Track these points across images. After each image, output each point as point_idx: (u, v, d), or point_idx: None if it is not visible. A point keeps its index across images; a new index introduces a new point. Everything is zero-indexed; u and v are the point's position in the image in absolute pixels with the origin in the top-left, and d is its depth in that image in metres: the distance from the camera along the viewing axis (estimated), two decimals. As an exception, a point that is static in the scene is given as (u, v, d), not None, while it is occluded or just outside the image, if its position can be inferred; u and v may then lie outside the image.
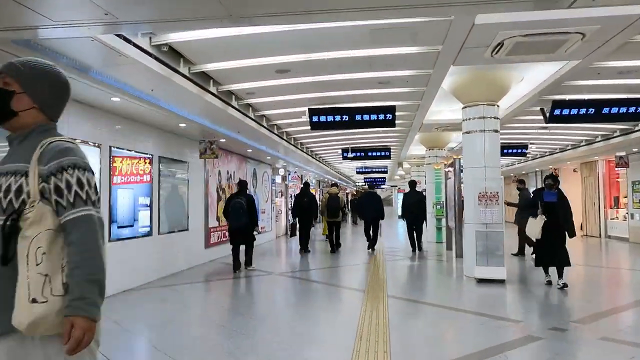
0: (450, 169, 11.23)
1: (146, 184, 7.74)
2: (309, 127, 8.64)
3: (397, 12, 3.69)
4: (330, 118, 8.00)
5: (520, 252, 10.49)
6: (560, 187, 7.27)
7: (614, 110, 7.78)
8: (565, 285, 6.76)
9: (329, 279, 8.66)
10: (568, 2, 3.29)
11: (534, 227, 7.06)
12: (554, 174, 7.23)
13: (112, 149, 6.77)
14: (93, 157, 6.27)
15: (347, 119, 8.04)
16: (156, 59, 4.95)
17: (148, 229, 7.76)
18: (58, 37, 3.81)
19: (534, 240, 7.44)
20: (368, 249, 12.02)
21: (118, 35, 4.20)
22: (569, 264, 6.92)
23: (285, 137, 11.34)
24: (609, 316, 5.47)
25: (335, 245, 12.27)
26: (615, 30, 4.73)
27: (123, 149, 7.07)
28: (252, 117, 8.54)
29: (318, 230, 17.05)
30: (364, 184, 34.12)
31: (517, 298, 6.63)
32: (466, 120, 7.96)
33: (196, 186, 9.93)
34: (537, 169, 21.52)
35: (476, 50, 5.48)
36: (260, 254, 9.66)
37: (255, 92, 7.20)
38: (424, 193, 13.68)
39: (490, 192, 7.51)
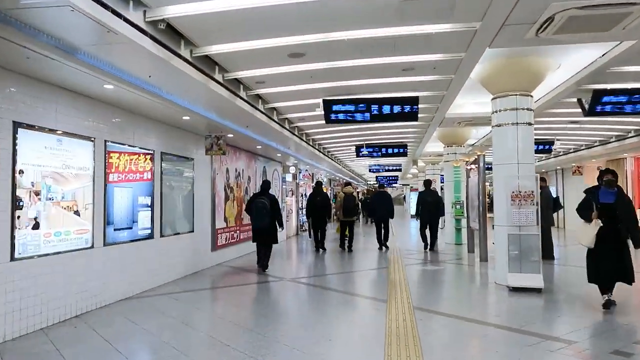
0: (473, 166, 10.46)
1: (147, 182, 7.10)
2: (322, 122, 8.01)
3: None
4: (347, 108, 7.30)
5: (549, 256, 9.70)
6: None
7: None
8: (611, 302, 5.55)
9: (346, 285, 7.96)
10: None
11: (587, 233, 5.65)
12: (609, 169, 6.15)
13: (108, 143, 6.13)
14: (84, 152, 5.65)
15: (365, 111, 7.35)
16: (153, 38, 4.31)
17: (149, 231, 7.13)
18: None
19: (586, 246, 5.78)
20: (379, 249, 12.02)
21: (104, 6, 3.55)
22: (632, 280, 5.56)
23: (296, 133, 10.69)
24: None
25: (349, 246, 12.13)
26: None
27: (120, 143, 6.43)
28: (262, 109, 7.89)
29: (330, 231, 16.38)
30: (375, 182, 33.37)
31: (561, 312, 5.83)
32: (496, 112, 7.26)
33: (202, 185, 9.30)
34: (558, 167, 20.65)
35: (519, 28, 4.78)
36: (272, 256, 9.04)
37: (265, 80, 6.53)
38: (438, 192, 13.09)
39: (525, 192, 6.83)
